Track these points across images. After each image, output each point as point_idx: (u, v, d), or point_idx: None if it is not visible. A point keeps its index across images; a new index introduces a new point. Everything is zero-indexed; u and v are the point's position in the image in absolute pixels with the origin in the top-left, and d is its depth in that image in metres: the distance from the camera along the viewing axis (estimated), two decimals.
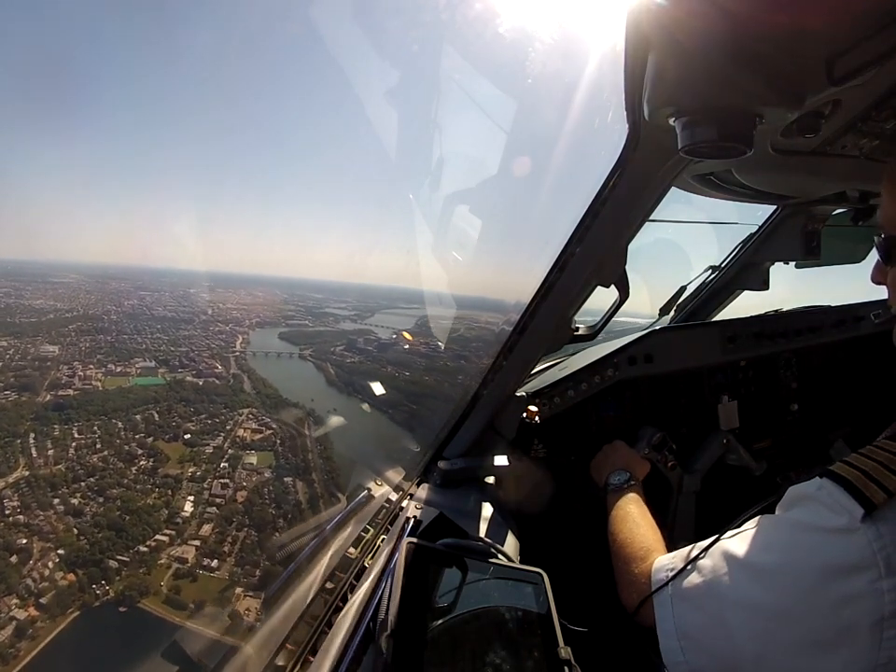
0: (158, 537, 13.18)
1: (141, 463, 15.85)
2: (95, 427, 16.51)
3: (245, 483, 15.36)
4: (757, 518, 0.84)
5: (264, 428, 17.95)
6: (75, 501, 13.74)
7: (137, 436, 16.79)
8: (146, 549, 12.78)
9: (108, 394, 18.11)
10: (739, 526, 0.87)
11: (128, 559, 12.49)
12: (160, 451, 16.20)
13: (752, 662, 0.73)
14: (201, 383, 19.87)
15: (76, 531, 12.82)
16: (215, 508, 14.44)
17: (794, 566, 0.72)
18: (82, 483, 14.40)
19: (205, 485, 15.12)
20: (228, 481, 15.32)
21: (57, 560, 11.76)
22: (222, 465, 15.96)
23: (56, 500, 13.62)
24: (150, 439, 16.77)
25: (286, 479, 15.50)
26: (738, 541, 0.83)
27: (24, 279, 26.54)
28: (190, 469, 15.69)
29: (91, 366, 19.35)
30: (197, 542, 13.16)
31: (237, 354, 22.30)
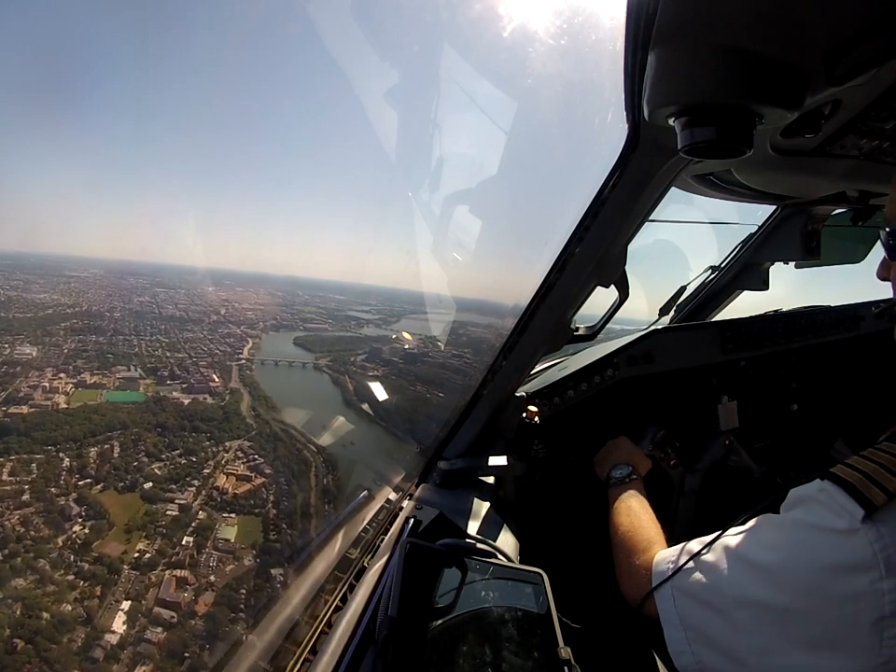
0: None
1: (74, 530, 10.77)
2: (34, 466, 12.14)
3: (212, 579, 9.84)
4: (759, 517, 0.85)
5: (254, 475, 12.91)
6: None
7: (82, 482, 12.14)
8: None
9: (68, 414, 14.17)
10: (742, 524, 0.87)
11: None
12: (104, 510, 11.42)
13: (758, 656, 0.74)
14: (187, 402, 15.98)
15: None
16: (160, 629, 8.61)
17: (796, 564, 0.73)
18: None
19: (153, 578, 9.77)
20: (188, 574, 9.84)
21: None
22: (185, 540, 10.65)
23: None
24: (98, 487, 12.10)
25: (273, 571, 9.18)
26: (740, 539, 0.83)
27: (39, 272, 25.17)
28: (138, 547, 10.50)
29: (63, 375, 15.94)
30: None
31: (242, 362, 19.04)
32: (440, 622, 0.92)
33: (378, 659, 0.85)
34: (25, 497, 11.42)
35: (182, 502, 11.91)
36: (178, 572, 9.98)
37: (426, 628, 0.91)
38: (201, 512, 11.67)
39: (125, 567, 10.11)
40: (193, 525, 11.26)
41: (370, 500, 1.52)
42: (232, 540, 10.92)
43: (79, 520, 11.16)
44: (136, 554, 10.46)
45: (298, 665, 0.98)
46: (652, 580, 0.93)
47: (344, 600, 1.10)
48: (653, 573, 0.94)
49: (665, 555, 0.96)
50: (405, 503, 1.42)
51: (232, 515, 11.73)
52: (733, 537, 0.85)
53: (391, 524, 1.34)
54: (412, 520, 1.28)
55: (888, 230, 0.85)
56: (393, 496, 1.52)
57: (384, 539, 1.28)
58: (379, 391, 2.18)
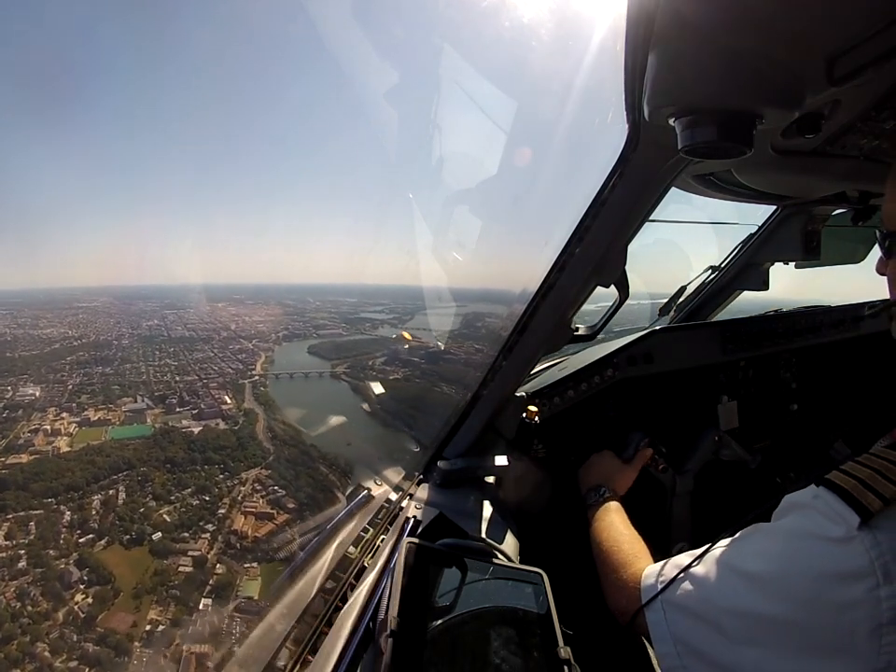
0: None
1: (75, 601, 9.31)
2: (31, 525, 10.89)
3: (236, 650, 5.00)
4: (751, 527, 0.84)
5: (275, 511, 11.50)
6: None
7: (84, 538, 10.81)
8: None
9: (70, 459, 13.17)
10: (732, 534, 0.86)
11: None
12: (109, 573, 9.90)
13: (752, 667, 0.73)
14: (197, 430, 15.01)
15: None
16: None
17: (791, 573, 0.72)
18: None
19: (168, 657, 8.07)
20: (208, 648, 7.89)
21: None
22: (202, 604, 9.15)
23: None
24: (102, 543, 10.77)
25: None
26: (732, 549, 0.82)
27: (48, 306, 24.65)
28: (150, 617, 8.99)
29: (67, 414, 15.03)
30: None
31: (255, 379, 18.16)
32: (440, 622, 0.92)
33: (378, 659, 0.85)
34: (22, 563, 10.12)
35: (196, 553, 10.47)
36: (197, 647, 8.18)
37: (426, 628, 0.91)
38: (218, 565, 10.22)
39: (136, 644, 8.70)
40: (211, 582, 9.83)
41: (370, 500, 1.52)
42: (256, 597, 9.34)
43: (81, 587, 9.76)
44: (148, 627, 9.02)
45: (298, 665, 0.98)
46: (642, 595, 0.92)
47: (344, 600, 1.10)
48: (642, 588, 0.93)
49: (653, 569, 0.94)
50: (405, 503, 1.42)
51: (254, 564, 10.19)
52: (724, 548, 0.84)
53: (391, 524, 1.34)
54: (412, 520, 1.29)
55: (883, 231, 0.85)
56: (393, 496, 1.52)
57: (384, 538, 1.28)
58: (381, 390, 2.18)
